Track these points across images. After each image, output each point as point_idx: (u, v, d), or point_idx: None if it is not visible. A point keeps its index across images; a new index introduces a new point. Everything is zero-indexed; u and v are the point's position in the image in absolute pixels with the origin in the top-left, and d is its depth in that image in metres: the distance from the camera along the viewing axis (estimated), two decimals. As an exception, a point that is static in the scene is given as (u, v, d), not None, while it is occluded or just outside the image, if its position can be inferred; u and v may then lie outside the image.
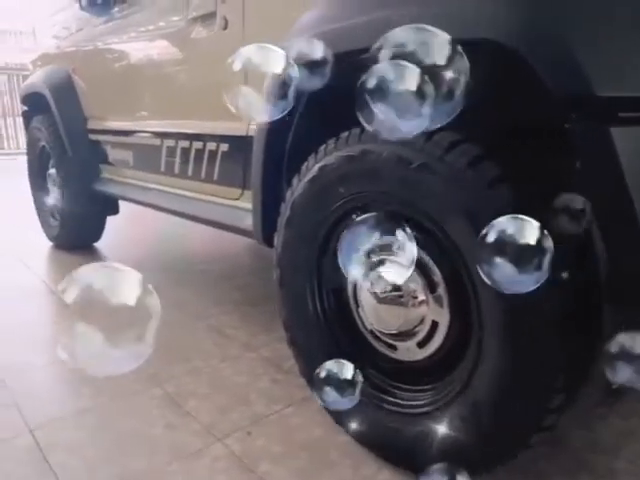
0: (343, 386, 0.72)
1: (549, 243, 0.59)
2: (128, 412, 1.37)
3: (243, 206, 1.59)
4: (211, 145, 1.68)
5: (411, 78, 0.51)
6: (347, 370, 0.71)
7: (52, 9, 2.97)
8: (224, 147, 1.63)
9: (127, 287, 0.47)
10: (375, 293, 1.07)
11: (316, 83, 0.67)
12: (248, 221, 1.48)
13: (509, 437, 0.94)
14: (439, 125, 0.55)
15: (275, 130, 1.28)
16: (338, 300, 1.22)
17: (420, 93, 0.51)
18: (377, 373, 1.17)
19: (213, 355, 1.67)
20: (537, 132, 0.84)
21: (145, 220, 3.56)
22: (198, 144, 1.75)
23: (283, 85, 0.63)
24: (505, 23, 0.79)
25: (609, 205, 0.72)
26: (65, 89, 2.63)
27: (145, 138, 2.12)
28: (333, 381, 0.71)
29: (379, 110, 0.52)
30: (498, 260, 0.59)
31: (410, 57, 0.52)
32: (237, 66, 0.61)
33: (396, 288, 1.04)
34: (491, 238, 0.59)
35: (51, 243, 3.10)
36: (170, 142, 1.92)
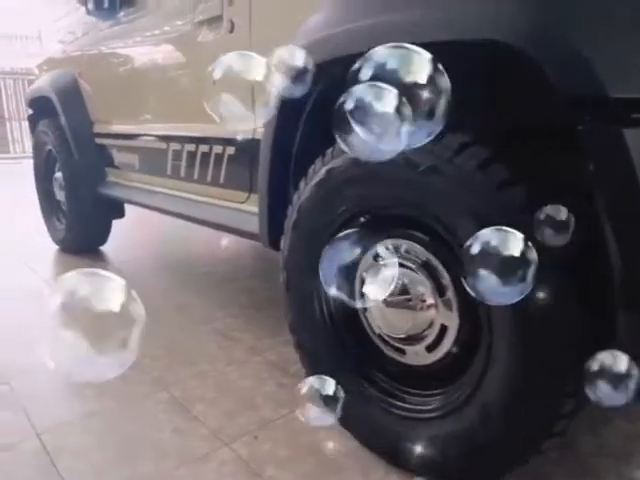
0: (326, 402, 0.71)
1: (533, 255, 0.59)
2: (135, 416, 1.36)
3: (249, 209, 1.59)
4: (217, 148, 1.68)
5: (388, 100, 0.50)
6: (329, 386, 0.70)
7: (57, 14, 2.98)
8: (230, 150, 1.63)
9: (110, 294, 0.47)
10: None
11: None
12: (254, 224, 1.48)
13: (520, 442, 0.93)
14: (418, 145, 0.54)
15: (282, 133, 1.28)
16: (345, 303, 1.21)
17: (398, 114, 0.50)
18: (385, 377, 1.16)
19: (219, 359, 1.67)
20: (547, 134, 0.83)
21: (150, 223, 3.57)
22: (204, 147, 1.75)
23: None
24: (513, 24, 0.79)
25: (622, 208, 0.72)
26: (71, 93, 2.64)
27: (151, 141, 2.12)
28: (315, 397, 0.71)
29: (356, 132, 0.51)
30: (482, 272, 0.59)
31: (389, 77, 0.51)
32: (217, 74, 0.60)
33: (404, 291, 1.03)
34: (475, 250, 0.59)
35: (57, 247, 3.11)
36: (176, 145, 1.92)
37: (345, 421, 1.21)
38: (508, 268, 0.59)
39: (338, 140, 0.53)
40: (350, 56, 1.03)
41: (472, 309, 0.95)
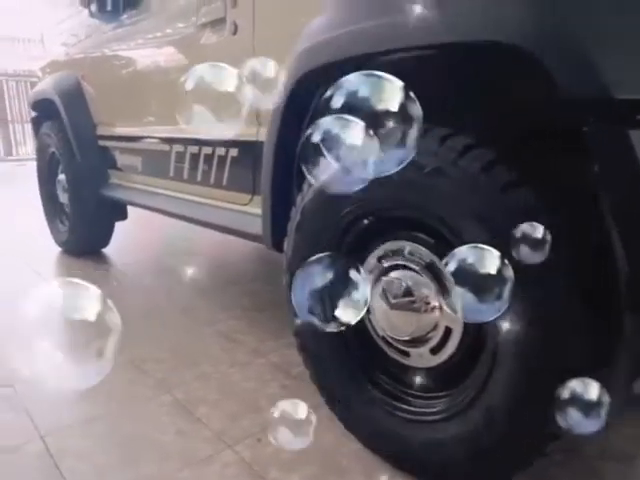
0: (298, 426, 0.71)
1: (509, 272, 0.60)
2: (138, 418, 1.36)
3: (252, 211, 1.59)
4: (220, 150, 1.68)
5: (357, 132, 0.50)
6: (301, 410, 0.70)
7: (60, 16, 2.99)
8: (233, 152, 1.63)
9: (87, 304, 0.47)
10: (387, 299, 1.07)
11: None
12: (257, 226, 1.48)
13: (524, 445, 0.93)
14: (390, 173, 0.53)
15: (285, 135, 1.28)
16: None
17: (367, 146, 0.50)
18: (389, 380, 1.16)
19: (222, 361, 1.67)
20: (552, 136, 0.83)
21: (152, 225, 3.57)
22: (207, 149, 1.75)
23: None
24: (517, 26, 0.78)
25: (627, 209, 0.71)
26: (74, 95, 2.65)
27: (154, 144, 2.12)
28: (288, 421, 0.71)
29: (326, 164, 0.51)
30: (458, 290, 0.59)
31: (361, 106, 0.51)
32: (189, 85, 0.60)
33: (408, 293, 1.03)
34: (451, 267, 0.60)
35: (60, 249, 3.11)
36: (179, 147, 1.93)
37: (349, 423, 1.21)
38: (485, 286, 0.61)
39: (306, 173, 0.52)
40: (353, 58, 1.04)
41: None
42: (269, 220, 1.41)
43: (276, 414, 0.71)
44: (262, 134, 1.45)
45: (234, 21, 1.52)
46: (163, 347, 1.76)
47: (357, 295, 0.62)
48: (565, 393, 0.63)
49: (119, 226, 2.99)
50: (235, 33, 1.52)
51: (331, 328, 0.62)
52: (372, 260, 1.12)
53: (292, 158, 1.32)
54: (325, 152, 0.50)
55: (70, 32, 2.86)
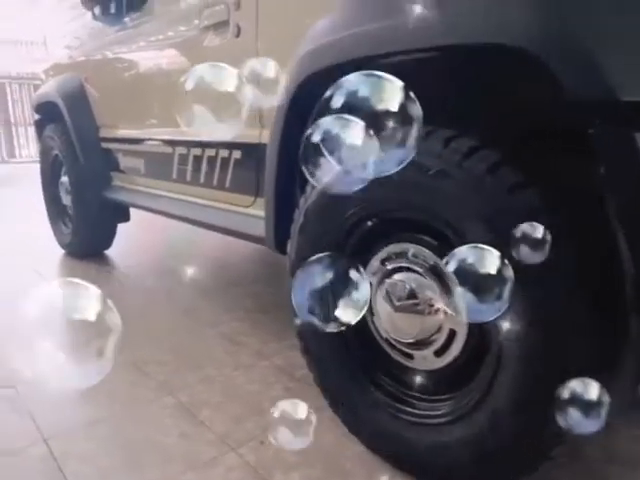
0: (298, 426, 0.71)
1: (509, 272, 0.60)
2: (142, 421, 1.36)
3: (255, 213, 1.59)
4: (223, 152, 1.69)
5: (356, 131, 0.50)
6: (301, 410, 0.70)
7: (63, 19, 3.00)
8: (237, 154, 1.63)
9: (87, 304, 0.47)
10: (391, 301, 1.06)
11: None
12: (260, 228, 1.48)
13: (530, 449, 0.92)
14: (389, 173, 0.53)
15: (289, 136, 1.28)
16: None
17: (367, 146, 0.49)
18: (392, 382, 1.15)
19: (225, 363, 1.66)
20: (558, 138, 0.83)
21: (154, 227, 3.57)
22: (210, 151, 1.75)
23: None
24: (524, 28, 0.78)
25: (633, 211, 0.71)
26: (77, 98, 2.65)
27: (157, 146, 2.13)
28: (289, 422, 0.71)
29: (326, 164, 0.51)
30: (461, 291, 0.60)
31: (361, 106, 0.50)
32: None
33: (412, 296, 1.03)
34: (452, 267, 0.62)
35: (63, 250, 3.11)
36: (182, 150, 1.93)
37: (352, 426, 1.21)
38: (485, 286, 0.61)
39: (306, 173, 0.52)
40: (357, 60, 1.04)
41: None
42: (272, 222, 1.40)
43: (276, 414, 0.70)
44: (265, 136, 1.45)
45: (237, 24, 1.52)
46: (165, 349, 1.76)
47: (357, 295, 0.62)
48: (565, 393, 0.63)
49: (121, 228, 2.99)
50: (238, 36, 1.52)
51: (331, 328, 0.62)
52: (376, 262, 1.12)
53: (295, 160, 1.31)
54: (325, 152, 0.50)
55: (73, 35, 2.87)
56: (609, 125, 0.71)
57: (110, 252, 3.07)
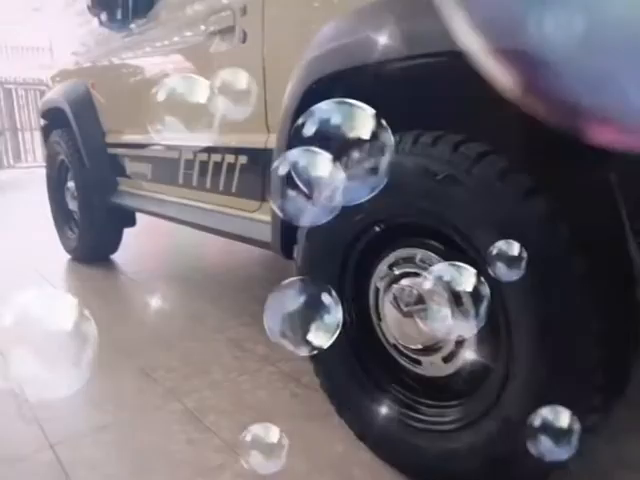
0: (270, 449, 0.71)
1: (486, 290, 0.62)
2: (149, 427, 1.36)
3: (261, 218, 1.59)
4: (230, 158, 1.69)
5: (326, 164, 0.49)
6: (273, 434, 0.70)
7: (70, 26, 3.02)
8: (243, 159, 1.64)
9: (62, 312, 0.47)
10: (398, 307, 1.06)
11: None
12: (266, 233, 1.48)
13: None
14: (360, 201, 0.53)
15: (295, 142, 1.27)
16: (360, 313, 1.21)
17: (335, 177, 0.49)
18: (400, 388, 1.15)
19: (232, 369, 1.66)
20: (569, 142, 0.82)
21: (159, 231, 3.58)
22: (217, 157, 1.75)
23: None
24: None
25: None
26: (84, 104, 2.67)
27: (163, 151, 2.13)
28: (260, 445, 0.70)
29: (295, 196, 0.50)
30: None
31: (332, 135, 0.50)
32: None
33: (420, 301, 1.02)
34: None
35: (69, 256, 3.12)
36: (188, 155, 1.93)
37: (360, 432, 1.20)
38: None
39: (273, 205, 0.51)
40: (364, 66, 1.04)
41: (490, 319, 0.94)
42: (278, 227, 1.40)
43: (248, 438, 0.70)
44: (271, 141, 1.45)
45: (243, 29, 1.52)
46: (173, 355, 1.76)
47: (329, 319, 0.61)
48: (536, 421, 0.63)
49: (127, 232, 3.00)
50: (244, 41, 1.53)
51: (303, 352, 0.61)
52: (383, 267, 1.12)
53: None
54: (293, 184, 0.50)
55: (80, 41, 2.89)
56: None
57: (116, 257, 3.08)
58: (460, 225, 0.91)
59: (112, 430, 1.35)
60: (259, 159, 1.55)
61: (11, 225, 4.28)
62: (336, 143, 0.49)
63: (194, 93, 0.61)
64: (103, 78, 2.60)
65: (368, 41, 1.02)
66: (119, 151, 2.54)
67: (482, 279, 0.64)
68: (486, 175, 0.85)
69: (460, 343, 1.00)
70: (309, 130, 0.50)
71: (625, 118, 0.27)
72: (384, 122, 0.50)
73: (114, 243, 3.00)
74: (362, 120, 0.51)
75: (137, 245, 3.38)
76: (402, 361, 1.13)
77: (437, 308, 0.66)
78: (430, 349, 1.05)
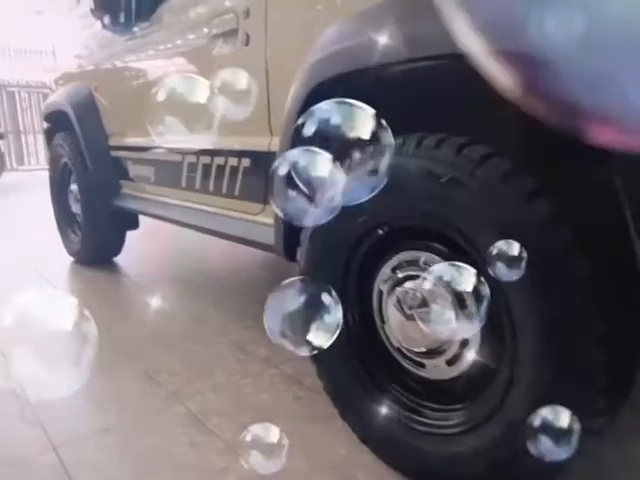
0: (270, 449, 0.70)
1: (486, 290, 0.61)
2: (152, 430, 1.36)
3: (264, 221, 1.59)
4: (233, 161, 1.69)
5: (326, 164, 0.48)
6: (273, 434, 0.70)
7: (73, 29, 3.03)
8: (246, 162, 1.64)
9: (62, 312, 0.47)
10: (402, 310, 1.06)
11: None
12: (269, 236, 1.48)
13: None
14: (360, 201, 0.52)
15: (298, 144, 1.28)
16: (363, 316, 1.21)
17: (335, 178, 0.48)
18: (403, 391, 1.14)
19: (235, 371, 1.66)
20: (573, 144, 0.82)
21: (164, 234, 3.58)
22: (219, 160, 1.76)
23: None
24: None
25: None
26: (87, 107, 2.67)
27: (166, 154, 2.13)
28: (260, 445, 0.70)
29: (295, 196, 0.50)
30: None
31: (332, 135, 0.49)
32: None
33: (424, 304, 1.02)
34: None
35: (72, 258, 3.13)
36: (191, 158, 1.93)
37: (363, 435, 1.20)
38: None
39: (274, 206, 0.51)
40: (366, 69, 1.04)
41: (494, 322, 0.94)
42: (281, 230, 1.40)
43: (248, 438, 0.70)
44: (274, 144, 1.45)
45: (246, 32, 1.53)
46: (176, 358, 1.76)
47: (329, 319, 0.61)
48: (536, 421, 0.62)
49: (130, 235, 3.00)
50: (247, 44, 1.53)
51: (304, 352, 0.61)
52: (386, 270, 1.11)
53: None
54: (294, 185, 0.49)
55: (83, 44, 2.90)
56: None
57: (119, 259, 3.08)
58: (464, 227, 0.91)
59: (115, 433, 1.35)
60: (262, 162, 1.55)
61: (14, 227, 4.28)
62: (336, 143, 0.49)
63: (197, 96, 0.61)
64: (106, 81, 2.61)
65: (370, 44, 1.02)
66: (122, 154, 2.55)
67: (482, 279, 0.63)
68: (489, 177, 0.85)
69: (464, 346, 1.00)
70: (309, 130, 0.50)
71: (625, 118, 0.28)
72: (384, 122, 0.50)
73: (117, 246, 3.01)
74: (362, 120, 0.51)
75: (140, 248, 3.38)
76: (406, 364, 1.13)
77: (440, 310, 0.66)
78: (434, 352, 1.05)
